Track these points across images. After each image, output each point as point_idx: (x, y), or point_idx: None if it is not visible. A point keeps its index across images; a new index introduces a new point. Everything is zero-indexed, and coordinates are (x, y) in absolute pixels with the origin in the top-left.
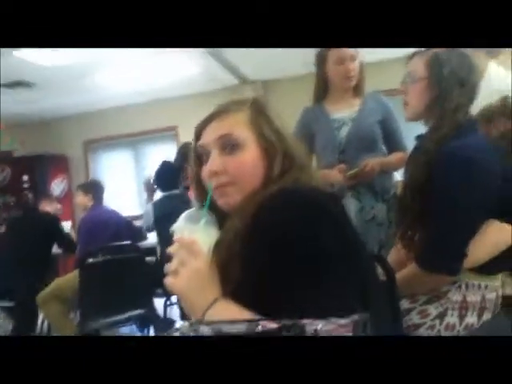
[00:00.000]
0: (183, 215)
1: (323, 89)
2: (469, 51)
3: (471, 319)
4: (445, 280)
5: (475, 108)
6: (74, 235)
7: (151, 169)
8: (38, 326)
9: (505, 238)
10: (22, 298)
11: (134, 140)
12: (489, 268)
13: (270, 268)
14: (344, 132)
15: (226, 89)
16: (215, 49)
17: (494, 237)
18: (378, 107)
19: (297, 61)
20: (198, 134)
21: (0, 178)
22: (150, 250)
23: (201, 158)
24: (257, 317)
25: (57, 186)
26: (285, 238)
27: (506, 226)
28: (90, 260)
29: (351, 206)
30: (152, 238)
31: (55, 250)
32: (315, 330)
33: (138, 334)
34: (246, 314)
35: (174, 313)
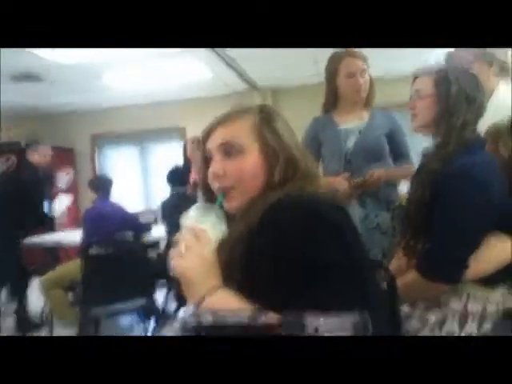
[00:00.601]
0: (195, 206)
1: (333, 100)
2: (478, 71)
3: (471, 328)
4: (445, 288)
5: (483, 127)
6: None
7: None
8: (40, 311)
9: (508, 251)
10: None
11: (141, 137)
12: (491, 280)
13: (269, 273)
14: (351, 142)
15: (235, 94)
16: (228, 55)
17: (496, 250)
18: (386, 121)
19: (306, 70)
20: (205, 138)
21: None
22: (153, 244)
23: (208, 161)
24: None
25: (62, 179)
26: (285, 244)
27: (509, 241)
28: (94, 250)
29: (356, 213)
30: (155, 232)
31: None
32: (316, 329)
33: (139, 323)
34: (246, 306)
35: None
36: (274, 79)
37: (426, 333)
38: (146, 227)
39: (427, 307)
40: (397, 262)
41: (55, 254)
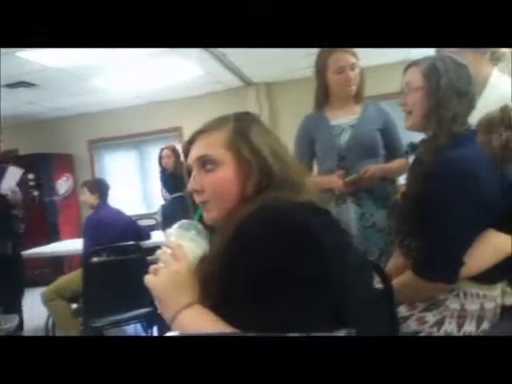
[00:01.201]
0: (179, 222)
1: (323, 96)
2: (471, 59)
3: (469, 328)
4: (441, 288)
5: (476, 116)
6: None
7: (155, 169)
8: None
9: (503, 247)
10: None
11: (139, 140)
12: (488, 277)
13: (245, 286)
14: (344, 138)
15: (230, 90)
16: (219, 51)
17: (492, 246)
18: (379, 115)
19: (300, 63)
20: (186, 153)
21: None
22: (154, 250)
23: (190, 175)
24: (229, 329)
25: (61, 186)
26: (255, 259)
27: (505, 236)
28: (95, 259)
29: (351, 212)
30: (155, 238)
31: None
32: None
33: (143, 333)
34: (220, 324)
35: None
36: (267, 74)
37: (424, 334)
38: (147, 233)
39: (425, 308)
40: (395, 261)
41: (58, 264)
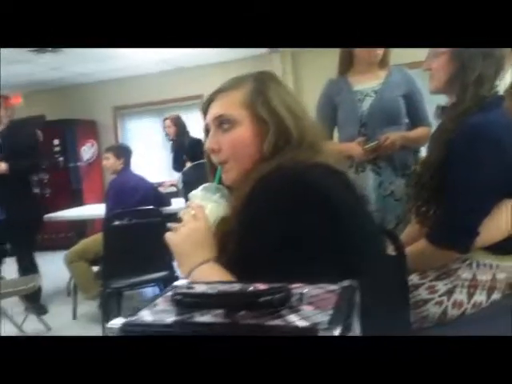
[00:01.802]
0: (204, 185)
1: (347, 61)
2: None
3: (480, 298)
4: (454, 257)
5: (505, 85)
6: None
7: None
8: (66, 284)
9: None
10: None
11: (162, 107)
12: (501, 248)
13: (258, 246)
14: (366, 104)
15: (255, 57)
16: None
17: (507, 216)
18: (403, 81)
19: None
20: (204, 112)
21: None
22: (174, 216)
23: (208, 135)
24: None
25: (86, 152)
26: (271, 217)
27: None
28: (116, 222)
29: (370, 180)
30: (175, 204)
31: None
32: (301, 294)
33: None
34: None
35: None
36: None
37: (434, 303)
38: (168, 200)
39: (437, 277)
40: (410, 229)
41: (82, 229)
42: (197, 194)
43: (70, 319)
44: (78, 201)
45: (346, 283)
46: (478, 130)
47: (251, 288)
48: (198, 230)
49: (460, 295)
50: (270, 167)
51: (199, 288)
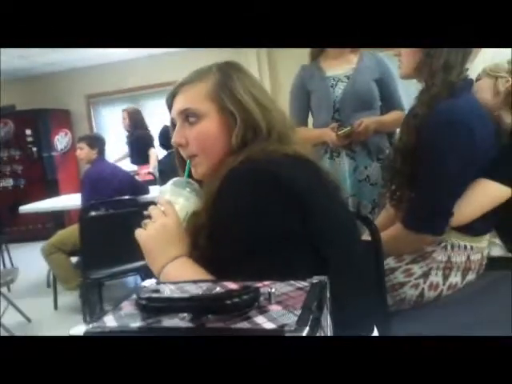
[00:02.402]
0: (173, 179)
1: None
2: None
3: (455, 279)
4: (429, 240)
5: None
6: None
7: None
8: (46, 275)
9: (491, 196)
10: None
11: (136, 95)
12: (475, 228)
13: (230, 237)
14: (339, 90)
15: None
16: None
17: (480, 195)
18: (376, 65)
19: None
20: (169, 106)
21: (3, 133)
22: (151, 204)
23: (174, 129)
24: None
25: (60, 141)
26: (240, 209)
27: (494, 185)
28: (92, 213)
29: (345, 164)
30: (153, 193)
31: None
32: (269, 293)
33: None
34: (205, 276)
35: None
36: None
37: (410, 285)
38: (145, 188)
39: (412, 260)
40: (385, 214)
41: (60, 219)
42: (166, 189)
43: (51, 310)
44: (53, 191)
45: (315, 279)
46: (448, 115)
47: (218, 288)
48: (167, 225)
49: (436, 277)
50: (238, 160)
51: (166, 289)
